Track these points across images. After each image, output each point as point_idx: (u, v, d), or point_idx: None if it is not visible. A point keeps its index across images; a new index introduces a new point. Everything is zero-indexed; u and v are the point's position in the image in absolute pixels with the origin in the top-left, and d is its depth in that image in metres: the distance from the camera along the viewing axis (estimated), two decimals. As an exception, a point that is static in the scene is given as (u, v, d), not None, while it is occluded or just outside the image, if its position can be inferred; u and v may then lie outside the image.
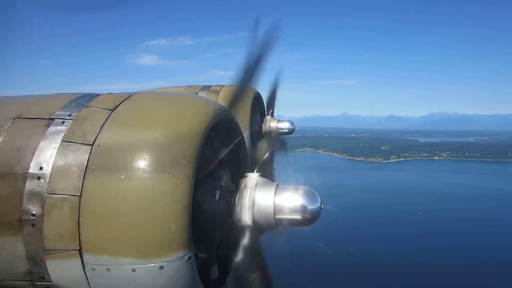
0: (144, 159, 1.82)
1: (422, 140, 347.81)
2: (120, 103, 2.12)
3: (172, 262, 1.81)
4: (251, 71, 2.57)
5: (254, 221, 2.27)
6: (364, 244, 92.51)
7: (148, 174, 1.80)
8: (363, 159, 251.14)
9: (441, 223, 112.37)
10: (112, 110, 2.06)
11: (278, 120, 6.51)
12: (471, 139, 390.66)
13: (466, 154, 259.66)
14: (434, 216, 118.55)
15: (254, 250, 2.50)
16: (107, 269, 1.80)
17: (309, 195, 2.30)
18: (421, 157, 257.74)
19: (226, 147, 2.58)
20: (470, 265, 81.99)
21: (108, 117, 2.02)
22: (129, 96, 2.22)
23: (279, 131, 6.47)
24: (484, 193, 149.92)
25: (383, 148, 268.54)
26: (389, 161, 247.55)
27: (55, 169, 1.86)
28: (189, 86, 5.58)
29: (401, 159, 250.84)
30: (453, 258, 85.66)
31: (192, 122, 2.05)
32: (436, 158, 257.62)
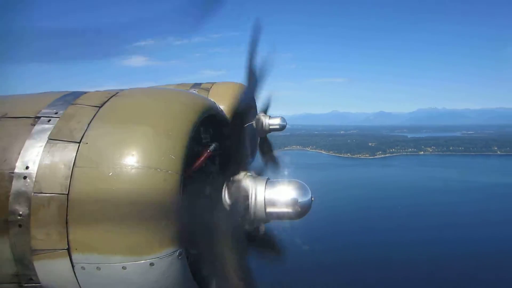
0: (133, 155, 1.81)
1: (410, 135, 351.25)
2: (108, 100, 2.12)
3: (163, 259, 1.80)
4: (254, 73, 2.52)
5: (245, 215, 2.26)
6: (343, 240, 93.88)
7: (136, 170, 1.78)
8: (350, 155, 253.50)
9: (422, 217, 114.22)
10: (100, 107, 2.05)
11: (270, 116, 6.50)
12: (458, 134, 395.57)
13: (451, 148, 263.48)
14: (414, 210, 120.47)
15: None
16: (97, 267, 1.78)
17: (300, 188, 2.30)
18: (407, 152, 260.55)
19: (215, 142, 2.56)
20: (453, 258, 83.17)
21: (95, 114, 2.00)
22: (117, 93, 2.22)
23: (270, 127, 6.46)
24: (465, 187, 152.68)
25: (370, 144, 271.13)
26: (375, 157, 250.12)
27: (42, 168, 1.83)
28: (180, 84, 5.53)
29: (387, 155, 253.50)
30: (436, 251, 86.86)
31: (180, 117, 2.04)
32: (422, 153, 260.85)
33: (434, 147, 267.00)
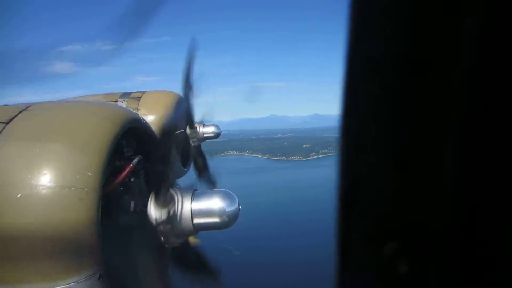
0: (44, 174, 1.66)
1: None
2: (16, 115, 1.95)
3: (81, 283, 1.67)
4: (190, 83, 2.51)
5: (172, 228, 2.22)
6: (272, 243, 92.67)
7: (48, 190, 1.64)
8: (285, 158, 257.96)
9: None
10: (6, 124, 1.89)
11: (204, 124, 6.04)
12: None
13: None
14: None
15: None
16: None
17: (227, 198, 2.31)
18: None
19: (140, 155, 2.47)
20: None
21: (1, 132, 1.84)
22: (27, 107, 2.04)
23: (204, 135, 6.08)
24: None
25: (304, 146, 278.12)
26: (309, 158, 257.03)
27: None
28: (107, 94, 4.99)
29: (320, 156, 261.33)
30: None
31: (96, 131, 1.93)
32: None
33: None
